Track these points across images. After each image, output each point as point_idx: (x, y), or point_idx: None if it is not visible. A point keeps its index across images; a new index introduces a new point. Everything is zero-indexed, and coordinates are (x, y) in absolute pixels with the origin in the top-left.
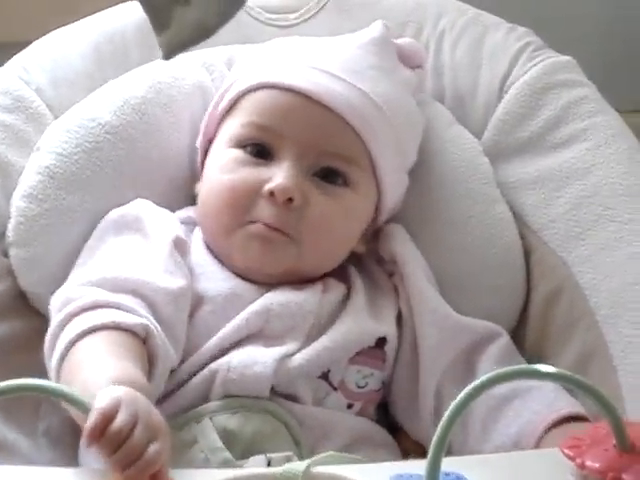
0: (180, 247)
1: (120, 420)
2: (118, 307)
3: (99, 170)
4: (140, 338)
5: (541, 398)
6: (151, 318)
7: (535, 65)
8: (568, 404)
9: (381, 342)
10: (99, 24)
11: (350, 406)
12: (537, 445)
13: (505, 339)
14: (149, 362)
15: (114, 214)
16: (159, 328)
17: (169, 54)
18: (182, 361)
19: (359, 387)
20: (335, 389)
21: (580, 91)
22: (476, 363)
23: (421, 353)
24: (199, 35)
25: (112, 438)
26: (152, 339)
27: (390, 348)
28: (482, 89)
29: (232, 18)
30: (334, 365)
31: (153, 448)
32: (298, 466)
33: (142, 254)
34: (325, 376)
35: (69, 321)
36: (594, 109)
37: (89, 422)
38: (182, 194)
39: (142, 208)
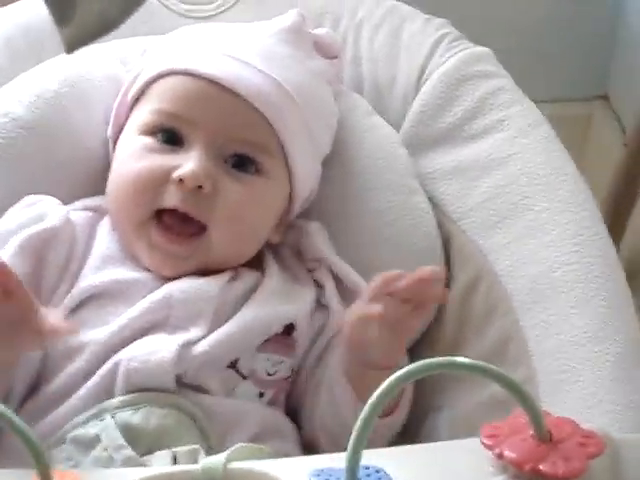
0: (43, 239)
1: None
2: None
3: (13, 166)
4: None
5: None
6: None
7: (452, 56)
8: None
9: (289, 329)
10: (12, 17)
11: (262, 394)
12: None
13: None
14: None
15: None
16: None
17: (72, 48)
18: (82, 353)
19: (269, 375)
20: (245, 378)
21: (497, 82)
22: None
23: (336, 344)
24: (102, 28)
25: None
26: None
27: (300, 335)
28: (400, 80)
29: (135, 11)
30: (242, 353)
31: None
32: (216, 460)
33: None
34: (233, 365)
35: None
36: (511, 100)
37: None
38: (100, 187)
39: (17, 208)
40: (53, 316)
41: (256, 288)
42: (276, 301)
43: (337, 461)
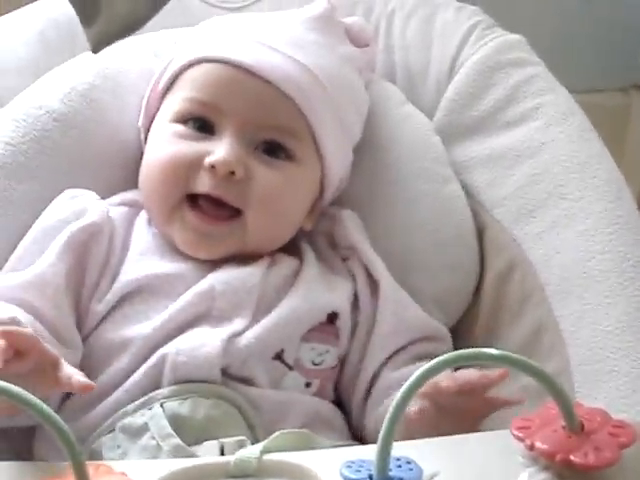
0: (89, 233)
1: None
2: None
3: (48, 158)
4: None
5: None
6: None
7: (485, 44)
8: None
9: (332, 317)
10: (44, 11)
11: (308, 385)
12: None
13: (443, 347)
14: None
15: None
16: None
17: (98, 47)
18: (129, 346)
19: (315, 364)
20: (291, 368)
21: (530, 70)
22: (414, 358)
23: (375, 335)
24: (128, 27)
25: None
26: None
27: (342, 324)
28: (433, 69)
29: (160, 9)
30: (287, 344)
31: None
32: (250, 453)
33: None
34: (279, 356)
35: None
36: (544, 88)
37: None
38: (134, 181)
39: (58, 202)
40: (70, 369)
41: (296, 275)
42: (318, 289)
43: (369, 452)
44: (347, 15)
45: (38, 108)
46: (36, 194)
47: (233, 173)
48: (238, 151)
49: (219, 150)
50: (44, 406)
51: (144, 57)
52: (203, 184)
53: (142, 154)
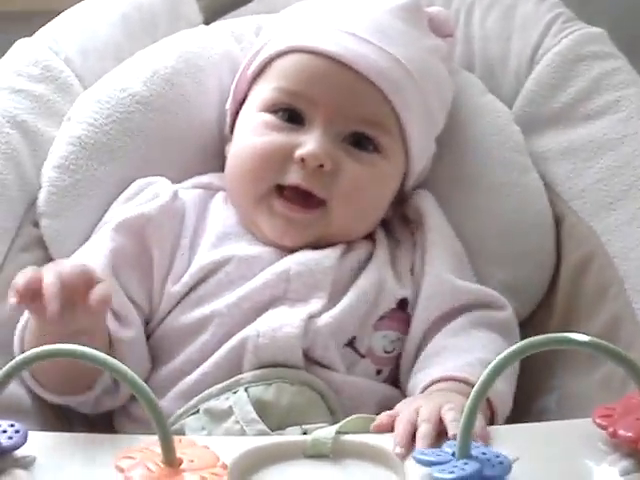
0: (145, 219)
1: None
2: None
3: (130, 140)
4: None
5: (438, 361)
6: None
7: (566, 36)
8: (450, 369)
9: (403, 304)
10: None
11: (379, 372)
12: None
13: (501, 314)
14: None
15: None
16: None
17: (210, 18)
18: (206, 326)
19: (387, 352)
20: (363, 356)
21: (612, 63)
22: (468, 325)
23: (419, 298)
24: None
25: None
26: None
27: (412, 309)
28: (513, 59)
29: None
30: (359, 331)
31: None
32: (326, 433)
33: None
34: (351, 343)
35: None
36: (626, 81)
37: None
38: (211, 163)
39: (132, 189)
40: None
41: (370, 258)
42: (388, 274)
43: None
44: (426, 5)
45: (121, 91)
46: (117, 175)
47: (322, 166)
48: (327, 143)
49: (309, 143)
50: (136, 377)
51: (225, 41)
52: (293, 176)
53: (222, 140)
